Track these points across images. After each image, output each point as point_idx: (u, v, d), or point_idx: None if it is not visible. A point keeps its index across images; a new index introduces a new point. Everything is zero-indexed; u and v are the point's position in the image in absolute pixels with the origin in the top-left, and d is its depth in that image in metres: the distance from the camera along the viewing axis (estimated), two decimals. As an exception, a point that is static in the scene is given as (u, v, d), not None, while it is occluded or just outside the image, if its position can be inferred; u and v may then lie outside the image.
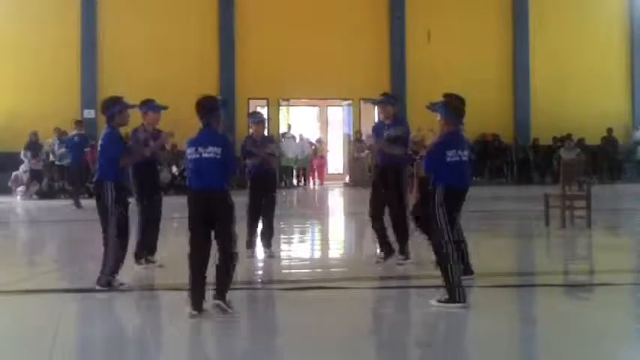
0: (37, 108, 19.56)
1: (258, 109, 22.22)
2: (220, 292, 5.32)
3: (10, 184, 18.28)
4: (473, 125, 21.99)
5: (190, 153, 5.43)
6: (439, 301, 5.54)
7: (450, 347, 4.85)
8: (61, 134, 18.84)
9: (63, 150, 18.51)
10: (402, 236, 7.48)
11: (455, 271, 5.53)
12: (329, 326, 5.19)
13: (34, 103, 19.68)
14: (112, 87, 20.04)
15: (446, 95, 6.02)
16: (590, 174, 12.11)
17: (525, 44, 22.74)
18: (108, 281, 6.29)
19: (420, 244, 8.30)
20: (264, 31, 21.24)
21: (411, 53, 22.00)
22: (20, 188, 18.15)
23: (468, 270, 6.37)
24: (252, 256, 7.95)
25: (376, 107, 7.82)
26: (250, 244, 7.95)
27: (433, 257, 5.77)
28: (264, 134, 8.36)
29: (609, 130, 22.22)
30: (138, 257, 7.28)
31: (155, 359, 4.75)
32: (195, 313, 5.27)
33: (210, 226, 5.41)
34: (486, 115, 21.86)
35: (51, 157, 18.68)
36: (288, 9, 21.49)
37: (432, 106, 5.93)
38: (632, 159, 22.57)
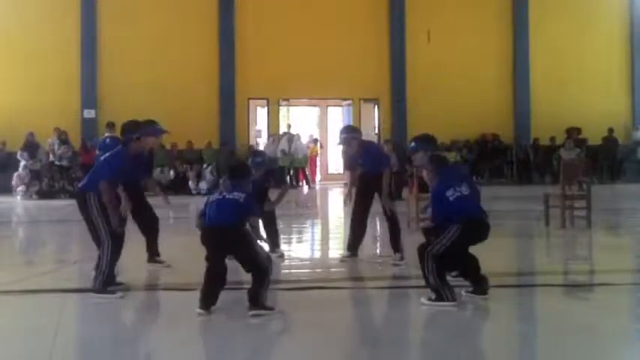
0: (37, 108, 19.57)
1: (259, 110, 22.29)
2: (255, 301, 5.43)
3: (13, 183, 18.29)
4: (473, 125, 22.04)
5: (214, 197, 5.71)
6: (429, 299, 5.63)
7: (450, 347, 4.85)
8: (60, 134, 18.89)
9: (62, 149, 18.58)
10: (395, 236, 7.61)
11: (434, 276, 5.60)
12: (329, 326, 5.19)
13: (34, 103, 19.69)
14: (112, 87, 20.13)
15: (416, 141, 6.81)
16: (590, 174, 12.10)
17: (525, 44, 22.74)
18: (103, 286, 6.25)
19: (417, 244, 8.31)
20: (264, 31, 21.24)
21: (411, 53, 22.00)
22: (20, 188, 18.16)
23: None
24: None
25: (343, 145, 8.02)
26: None
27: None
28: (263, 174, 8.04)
29: (610, 130, 22.23)
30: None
31: (155, 359, 4.74)
32: (202, 312, 5.38)
33: (226, 251, 5.62)
34: (486, 115, 21.89)
35: (51, 157, 18.71)
36: (288, 9, 21.49)
37: (411, 152, 6.40)
38: (632, 159, 22.57)
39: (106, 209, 6.22)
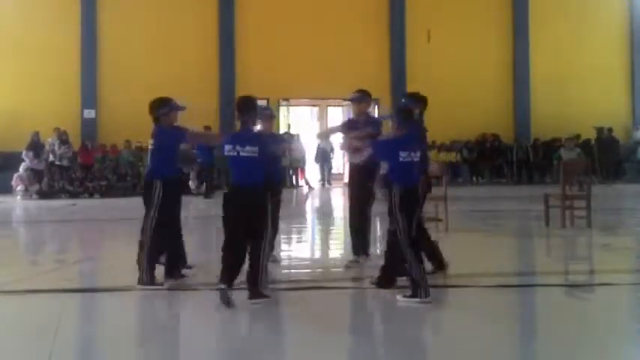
0: (37, 108, 19.58)
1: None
2: (254, 290, 5.65)
3: (13, 183, 18.30)
4: (473, 125, 22.05)
5: (228, 150, 5.78)
6: (404, 297, 5.75)
7: (450, 347, 4.85)
8: (60, 134, 18.90)
9: (63, 150, 18.59)
10: (362, 236, 7.53)
11: (415, 269, 5.73)
12: (329, 326, 5.19)
13: (35, 103, 19.70)
14: (112, 87, 20.14)
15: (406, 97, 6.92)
16: (590, 174, 12.09)
17: (525, 44, 22.76)
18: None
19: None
20: (264, 31, 21.25)
21: (411, 53, 22.01)
22: (20, 188, 18.16)
23: (441, 265, 6.74)
24: None
25: (352, 105, 7.79)
26: None
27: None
28: (272, 132, 8.25)
29: (609, 130, 22.23)
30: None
31: (155, 359, 4.74)
32: (224, 286, 5.56)
33: (247, 224, 5.71)
34: (486, 115, 21.91)
35: (51, 157, 18.71)
36: (288, 9, 21.50)
37: (382, 116, 6.24)
38: (632, 159, 22.57)
39: (164, 201, 6.36)
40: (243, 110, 5.92)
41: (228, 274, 5.62)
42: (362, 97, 7.64)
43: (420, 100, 6.98)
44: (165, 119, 6.64)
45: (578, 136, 21.27)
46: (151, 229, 6.37)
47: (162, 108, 6.65)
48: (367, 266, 7.50)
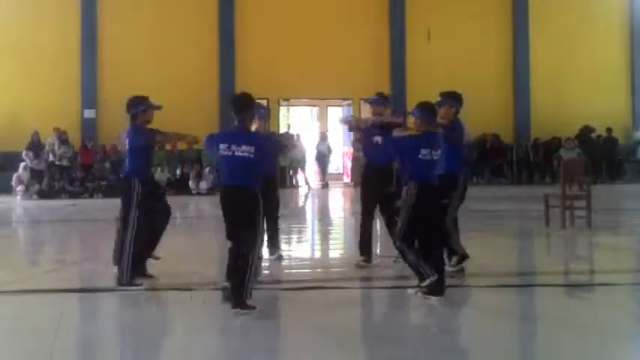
0: (37, 108, 19.56)
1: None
2: (239, 298, 5.36)
3: (13, 183, 18.30)
4: (473, 125, 21.84)
5: (223, 149, 5.46)
6: (413, 287, 5.88)
7: (450, 347, 4.85)
8: (60, 134, 18.89)
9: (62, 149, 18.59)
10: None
11: (411, 255, 5.85)
12: (329, 326, 5.19)
13: (34, 103, 19.68)
14: (112, 87, 20.11)
15: (442, 95, 6.96)
16: (591, 174, 12.09)
17: (525, 44, 22.74)
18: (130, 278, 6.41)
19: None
20: (264, 31, 21.24)
21: (411, 53, 22.00)
22: (20, 188, 18.16)
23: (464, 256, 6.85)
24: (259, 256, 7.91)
25: (370, 107, 7.91)
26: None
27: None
28: (267, 131, 8.28)
29: (609, 130, 22.22)
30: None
31: (155, 359, 4.74)
32: (227, 284, 5.48)
33: (236, 229, 5.48)
34: (486, 115, 21.86)
35: (51, 157, 18.71)
36: (288, 9, 21.48)
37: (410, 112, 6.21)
38: (632, 159, 22.56)
39: (144, 199, 6.38)
40: (241, 109, 5.57)
41: (228, 274, 5.60)
42: (381, 100, 7.79)
43: (460, 99, 7.03)
44: (142, 118, 6.64)
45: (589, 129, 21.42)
46: (134, 229, 6.38)
47: (138, 106, 6.65)
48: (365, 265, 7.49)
